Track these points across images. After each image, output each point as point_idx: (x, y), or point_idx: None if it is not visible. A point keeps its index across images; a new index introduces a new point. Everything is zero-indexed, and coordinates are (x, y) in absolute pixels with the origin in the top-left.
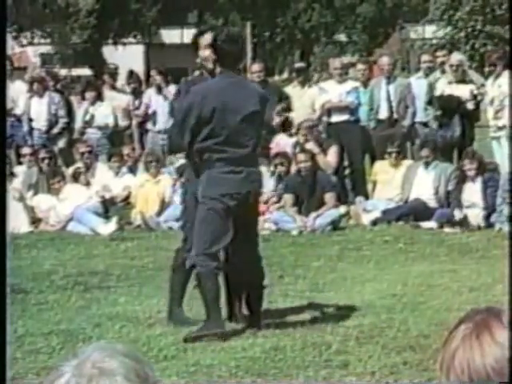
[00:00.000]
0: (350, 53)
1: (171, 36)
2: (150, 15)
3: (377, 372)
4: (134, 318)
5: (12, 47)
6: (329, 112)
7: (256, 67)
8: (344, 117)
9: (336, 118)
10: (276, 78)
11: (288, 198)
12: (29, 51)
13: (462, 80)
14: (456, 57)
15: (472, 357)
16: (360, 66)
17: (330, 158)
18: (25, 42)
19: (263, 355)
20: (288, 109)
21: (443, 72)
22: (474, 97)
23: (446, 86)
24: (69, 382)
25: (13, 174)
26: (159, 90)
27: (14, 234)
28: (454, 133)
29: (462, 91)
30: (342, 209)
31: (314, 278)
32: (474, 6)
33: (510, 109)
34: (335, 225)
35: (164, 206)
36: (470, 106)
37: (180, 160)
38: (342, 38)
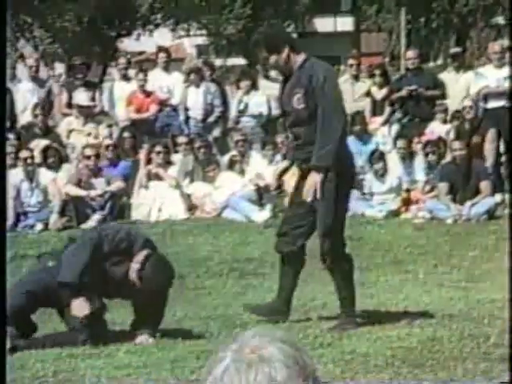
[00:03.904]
0: (508, 36)
1: (324, 24)
2: (304, 3)
3: None
4: None
5: (171, 39)
6: (485, 98)
7: (410, 54)
8: (501, 103)
9: (493, 104)
10: (431, 64)
11: (443, 186)
12: (185, 43)
13: None
14: None
15: None
16: None
17: (487, 143)
18: (182, 33)
19: (420, 345)
20: (442, 96)
21: None
22: None
23: None
24: (228, 367)
25: (170, 163)
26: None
27: (171, 221)
28: None
29: None
30: (498, 197)
31: (469, 267)
32: None
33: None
34: (491, 214)
35: None
36: None
37: None
38: (500, 20)
